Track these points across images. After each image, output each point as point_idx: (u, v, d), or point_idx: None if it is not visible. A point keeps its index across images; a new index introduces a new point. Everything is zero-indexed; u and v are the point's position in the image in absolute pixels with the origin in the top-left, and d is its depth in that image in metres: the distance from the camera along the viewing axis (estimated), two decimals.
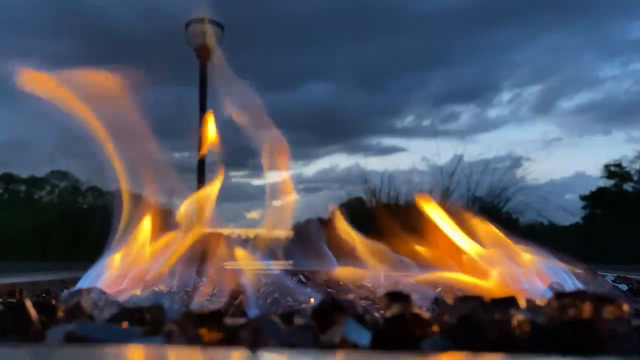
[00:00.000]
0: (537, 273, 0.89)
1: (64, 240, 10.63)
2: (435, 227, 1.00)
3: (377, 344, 0.46)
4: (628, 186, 13.13)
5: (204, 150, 1.07)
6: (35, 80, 0.91)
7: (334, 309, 0.53)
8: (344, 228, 1.06)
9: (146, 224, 1.00)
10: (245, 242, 1.01)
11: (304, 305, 0.75)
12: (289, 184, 1.10)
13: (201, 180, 5.06)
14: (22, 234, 10.95)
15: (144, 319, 0.56)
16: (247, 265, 0.93)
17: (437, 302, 0.68)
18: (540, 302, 0.70)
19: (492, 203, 5.91)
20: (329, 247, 1.11)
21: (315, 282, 1.16)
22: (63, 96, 0.92)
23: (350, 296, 0.82)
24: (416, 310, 0.52)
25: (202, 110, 5.10)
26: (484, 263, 0.92)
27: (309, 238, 1.11)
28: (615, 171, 13.27)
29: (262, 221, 1.08)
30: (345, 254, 1.09)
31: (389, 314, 0.52)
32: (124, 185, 0.98)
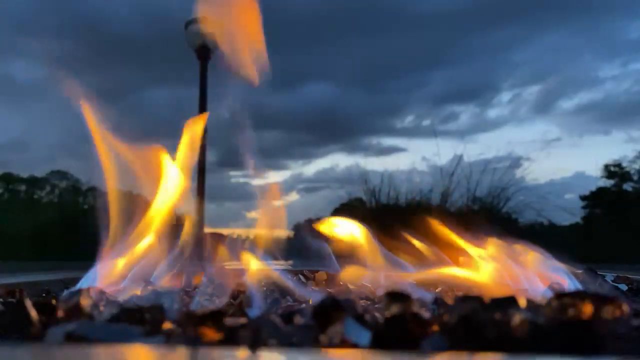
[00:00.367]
0: (537, 273, 0.89)
1: (64, 240, 10.63)
2: (436, 227, 1.00)
3: (377, 344, 0.46)
4: (628, 186, 13.13)
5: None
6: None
7: (334, 309, 0.53)
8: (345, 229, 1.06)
9: (146, 223, 1.00)
10: (245, 242, 1.01)
11: (304, 305, 0.75)
12: (276, 189, 1.10)
13: (201, 180, 5.06)
14: (22, 234, 10.94)
15: (144, 319, 0.56)
16: (251, 265, 0.93)
17: (437, 302, 0.68)
18: (540, 302, 0.70)
19: (492, 203, 5.90)
20: (329, 247, 1.11)
21: (316, 282, 1.16)
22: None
23: (350, 296, 0.82)
24: (416, 310, 0.52)
25: (202, 110, 5.10)
26: (484, 262, 0.92)
27: (309, 238, 1.11)
28: (615, 171, 13.28)
29: (258, 221, 1.08)
30: (345, 254, 1.09)
31: (389, 314, 0.52)
32: (116, 185, 0.98)
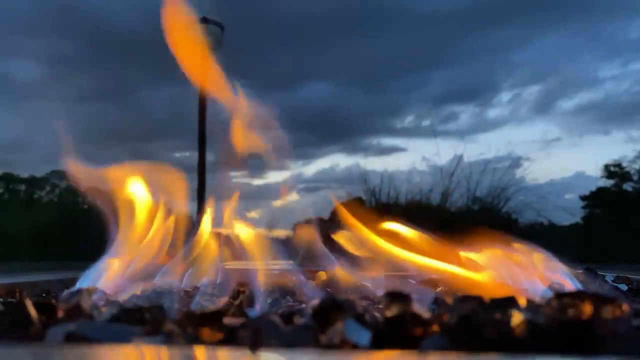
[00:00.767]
0: (537, 273, 0.89)
1: (64, 240, 10.63)
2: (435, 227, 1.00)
3: (377, 344, 0.46)
4: (628, 186, 13.13)
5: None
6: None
7: (334, 309, 0.53)
8: (351, 222, 1.05)
9: (145, 223, 1.00)
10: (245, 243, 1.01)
11: (304, 305, 0.75)
12: (285, 187, 1.10)
13: (201, 180, 5.06)
14: (22, 234, 10.94)
15: (144, 319, 0.56)
16: (253, 265, 0.93)
17: (437, 302, 0.68)
18: (540, 302, 0.70)
19: (492, 203, 5.91)
20: (329, 247, 1.11)
21: (316, 282, 1.16)
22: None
23: (350, 296, 0.82)
24: (416, 310, 0.52)
25: (202, 110, 5.10)
26: (484, 263, 0.92)
27: (308, 238, 1.11)
28: (615, 171, 13.27)
29: (262, 221, 1.08)
30: (345, 254, 1.09)
31: (389, 314, 0.52)
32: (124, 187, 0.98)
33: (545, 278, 0.88)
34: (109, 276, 0.92)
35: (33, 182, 16.42)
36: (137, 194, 1.00)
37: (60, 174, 15.65)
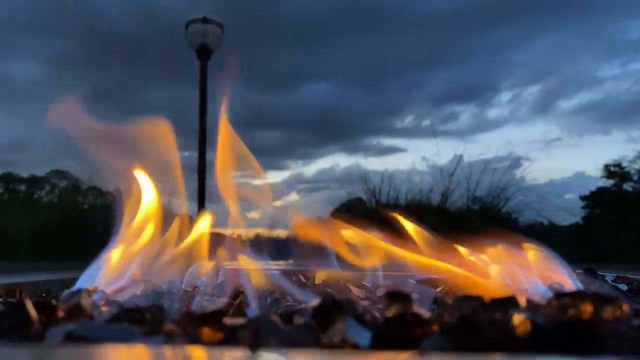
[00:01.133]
0: (537, 273, 0.89)
1: (64, 240, 10.63)
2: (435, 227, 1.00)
3: (377, 344, 0.46)
4: (628, 186, 13.13)
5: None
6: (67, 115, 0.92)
7: (334, 309, 0.53)
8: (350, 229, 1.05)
9: (144, 223, 1.00)
10: (245, 243, 1.01)
11: (304, 305, 0.75)
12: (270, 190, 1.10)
13: (201, 180, 5.06)
14: (22, 234, 10.94)
15: (144, 319, 0.56)
16: (249, 265, 0.93)
17: (437, 302, 0.68)
18: (540, 302, 0.70)
19: (492, 203, 5.91)
20: (329, 247, 1.11)
21: (316, 282, 1.16)
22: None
23: (350, 296, 0.82)
24: (416, 310, 0.52)
25: (202, 110, 5.10)
26: (484, 262, 0.92)
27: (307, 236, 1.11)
28: (615, 171, 13.27)
29: (262, 221, 1.08)
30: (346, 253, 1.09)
31: (389, 314, 0.52)
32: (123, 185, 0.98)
33: (545, 278, 0.88)
34: (109, 275, 0.92)
35: (33, 182, 16.41)
36: (138, 191, 1.00)
37: (61, 174, 15.65)
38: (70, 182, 15.81)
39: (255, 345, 0.42)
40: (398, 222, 1.02)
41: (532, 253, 0.95)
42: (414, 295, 0.60)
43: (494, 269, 0.88)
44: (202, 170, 5.09)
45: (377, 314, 0.62)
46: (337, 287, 1.03)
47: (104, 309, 0.66)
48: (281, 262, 1.46)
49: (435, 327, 0.50)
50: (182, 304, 0.77)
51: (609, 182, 13.37)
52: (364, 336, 0.47)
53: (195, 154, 5.11)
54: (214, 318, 0.51)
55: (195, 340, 0.49)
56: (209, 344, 0.49)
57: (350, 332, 0.47)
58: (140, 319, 0.56)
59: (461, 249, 0.98)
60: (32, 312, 0.54)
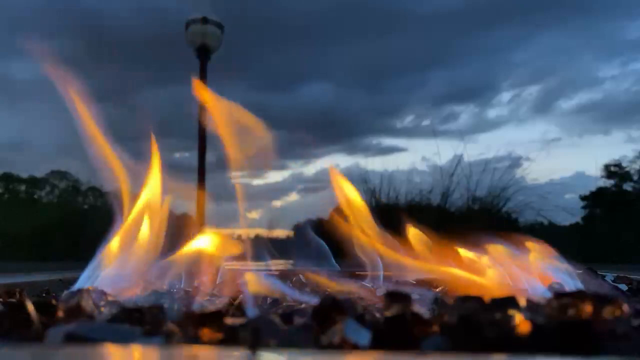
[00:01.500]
0: (537, 273, 0.89)
1: (64, 240, 10.62)
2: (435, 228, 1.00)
3: (377, 344, 0.46)
4: (628, 186, 13.14)
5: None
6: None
7: (334, 309, 0.53)
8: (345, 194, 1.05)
9: (144, 222, 1.00)
10: (245, 243, 1.01)
11: (304, 305, 0.75)
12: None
13: (201, 180, 5.06)
14: (22, 234, 10.94)
15: (144, 319, 0.56)
16: (248, 266, 0.93)
17: (437, 302, 0.68)
18: (540, 302, 0.70)
19: (492, 203, 5.91)
20: (329, 247, 1.11)
21: (316, 282, 1.16)
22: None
23: (350, 296, 0.81)
24: (416, 310, 0.52)
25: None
26: (484, 263, 0.92)
27: (309, 238, 1.11)
28: (615, 171, 13.28)
29: (262, 221, 1.08)
30: (346, 253, 1.09)
31: (389, 314, 0.52)
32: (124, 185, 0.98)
33: (545, 278, 0.88)
34: (109, 276, 0.92)
35: (33, 182, 16.41)
36: (138, 191, 1.00)
37: (61, 174, 15.66)
38: (70, 182, 15.82)
39: (255, 345, 0.42)
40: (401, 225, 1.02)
41: (532, 253, 0.95)
42: (414, 295, 0.60)
43: (493, 269, 0.88)
44: (202, 170, 5.09)
45: (377, 314, 0.62)
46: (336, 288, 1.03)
47: (104, 309, 0.66)
48: (281, 262, 1.46)
49: (435, 327, 0.50)
50: (182, 304, 0.77)
51: (609, 182, 13.38)
52: (364, 336, 0.47)
53: (195, 154, 5.12)
54: (214, 318, 0.51)
55: (195, 340, 0.49)
56: (209, 344, 0.49)
57: (350, 332, 0.47)
58: (140, 319, 0.56)
59: (461, 250, 0.98)
60: (32, 312, 0.54)
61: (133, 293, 0.86)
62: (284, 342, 0.47)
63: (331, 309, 0.53)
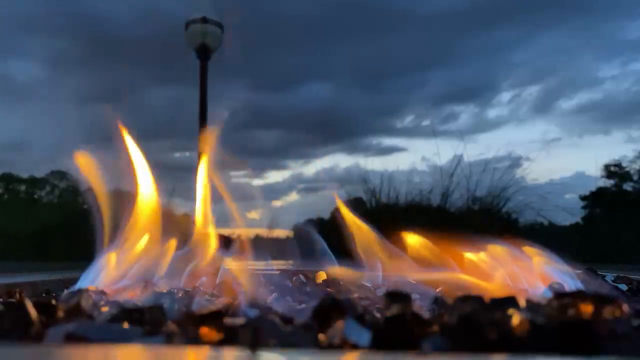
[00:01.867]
0: (537, 273, 0.89)
1: (64, 240, 10.61)
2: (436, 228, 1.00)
3: (377, 344, 0.46)
4: (628, 186, 13.14)
5: None
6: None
7: (334, 309, 0.53)
8: (351, 219, 1.05)
9: (144, 222, 1.00)
10: (245, 243, 1.01)
11: (304, 305, 0.75)
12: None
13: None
14: (22, 234, 10.94)
15: (144, 319, 0.56)
16: (247, 266, 0.93)
17: (437, 302, 0.68)
18: (540, 302, 0.70)
19: (492, 203, 5.90)
20: (329, 247, 1.11)
21: (316, 282, 1.16)
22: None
23: (350, 296, 0.82)
24: (416, 310, 0.52)
25: (202, 110, 5.10)
26: (485, 263, 0.92)
27: (309, 238, 1.11)
28: (615, 171, 13.28)
29: (263, 221, 1.08)
30: (346, 253, 1.09)
31: (389, 314, 0.52)
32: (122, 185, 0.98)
33: (545, 278, 0.88)
34: (109, 276, 0.92)
35: (33, 182, 16.41)
36: (138, 191, 1.00)
37: (61, 174, 15.66)
38: (70, 182, 15.81)
39: (255, 345, 0.42)
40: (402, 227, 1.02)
41: (533, 254, 0.95)
42: (414, 295, 0.60)
43: (493, 270, 0.88)
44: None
45: (377, 314, 0.62)
46: (338, 287, 1.03)
47: (104, 309, 0.66)
48: (281, 262, 1.46)
49: (435, 327, 0.50)
50: (182, 304, 0.77)
51: (609, 182, 13.38)
52: (364, 336, 0.47)
53: (195, 154, 5.12)
54: (214, 318, 0.51)
55: (195, 340, 0.49)
56: (209, 344, 0.49)
57: (350, 332, 0.47)
58: (140, 319, 0.56)
59: (462, 250, 0.98)
60: (32, 312, 0.54)
61: (133, 293, 0.86)
62: (284, 342, 0.47)
63: (331, 309, 0.53)
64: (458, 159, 5.89)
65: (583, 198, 12.80)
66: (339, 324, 0.49)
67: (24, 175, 16.35)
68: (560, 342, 0.44)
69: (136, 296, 0.83)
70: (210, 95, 5.15)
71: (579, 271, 0.98)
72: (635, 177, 13.25)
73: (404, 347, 0.46)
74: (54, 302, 0.66)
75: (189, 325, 0.51)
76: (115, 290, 0.87)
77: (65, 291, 0.87)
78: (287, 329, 0.50)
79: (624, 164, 13.26)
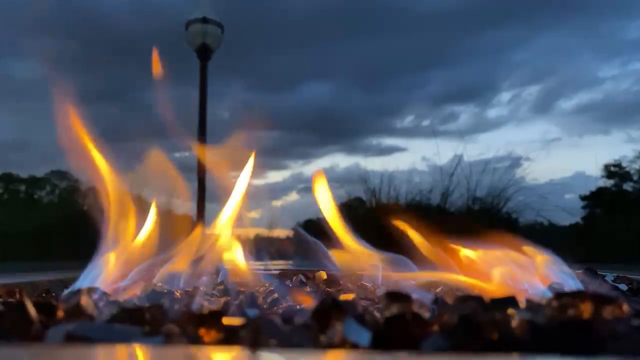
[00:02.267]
0: (537, 273, 0.89)
1: (64, 240, 10.61)
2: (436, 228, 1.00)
3: (377, 344, 0.46)
4: (628, 186, 13.15)
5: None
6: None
7: (334, 309, 0.53)
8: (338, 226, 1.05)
9: (143, 222, 1.00)
10: (245, 243, 1.01)
11: (304, 305, 0.75)
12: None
13: (201, 180, 5.06)
14: (22, 234, 10.94)
15: (144, 319, 0.56)
16: (246, 266, 0.93)
17: (437, 302, 0.68)
18: (540, 302, 0.70)
19: (492, 203, 5.90)
20: (329, 247, 1.11)
21: (316, 282, 1.16)
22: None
23: (350, 296, 0.82)
24: (416, 310, 0.52)
25: (202, 110, 5.10)
26: (484, 263, 0.92)
27: (308, 238, 1.11)
28: (615, 171, 13.30)
29: (263, 221, 1.08)
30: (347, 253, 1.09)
31: (389, 314, 0.52)
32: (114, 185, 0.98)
33: (545, 278, 0.88)
34: (109, 275, 0.92)
35: (33, 182, 16.42)
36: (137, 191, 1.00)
37: (61, 174, 15.65)
38: (70, 182, 15.81)
39: (255, 345, 0.42)
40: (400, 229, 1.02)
41: (533, 254, 0.95)
42: (414, 295, 0.60)
43: (493, 270, 0.88)
44: (202, 170, 5.09)
45: (377, 314, 0.62)
46: (338, 287, 1.03)
47: (104, 309, 0.66)
48: (281, 261, 1.46)
49: (435, 327, 0.50)
50: (182, 304, 0.77)
51: (609, 182, 13.39)
52: (364, 336, 0.47)
53: (194, 155, 5.11)
54: (214, 318, 0.51)
55: (195, 340, 0.49)
56: (209, 344, 0.49)
57: (350, 332, 0.47)
58: (140, 319, 0.56)
59: (461, 251, 0.98)
60: (32, 312, 0.54)
61: (133, 293, 0.86)
62: (284, 342, 0.47)
63: (331, 309, 0.53)
64: (458, 159, 5.89)
65: (583, 198, 12.80)
66: (339, 324, 0.49)
67: (24, 175, 16.35)
68: (560, 342, 0.44)
69: (136, 296, 0.83)
70: (210, 95, 5.15)
71: (578, 271, 0.98)
72: (635, 177, 13.26)
73: (404, 347, 0.46)
74: (54, 302, 0.66)
75: (189, 325, 0.51)
76: (115, 290, 0.87)
77: (65, 291, 0.87)
78: (287, 329, 0.50)
79: (624, 164, 13.28)
